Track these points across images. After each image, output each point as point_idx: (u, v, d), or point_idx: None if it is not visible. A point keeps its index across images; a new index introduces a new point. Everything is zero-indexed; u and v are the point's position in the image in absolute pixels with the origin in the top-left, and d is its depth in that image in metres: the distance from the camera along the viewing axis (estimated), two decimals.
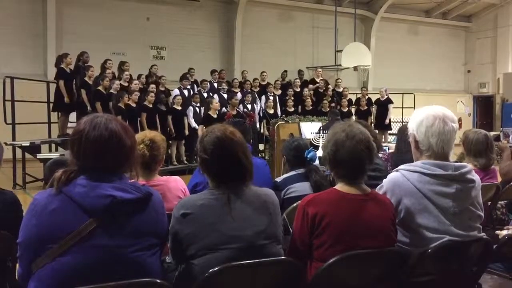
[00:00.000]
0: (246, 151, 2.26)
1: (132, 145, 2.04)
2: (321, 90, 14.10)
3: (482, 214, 2.49)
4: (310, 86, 14.29)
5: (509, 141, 11.18)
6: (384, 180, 2.51)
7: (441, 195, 2.35)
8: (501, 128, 14.09)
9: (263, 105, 12.92)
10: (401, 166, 2.49)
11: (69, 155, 2.01)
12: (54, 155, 8.60)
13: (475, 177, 2.48)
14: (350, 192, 2.29)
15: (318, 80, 14.83)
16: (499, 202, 4.12)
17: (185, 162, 11.93)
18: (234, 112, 11.14)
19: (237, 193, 2.17)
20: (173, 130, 11.35)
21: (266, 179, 3.72)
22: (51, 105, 11.02)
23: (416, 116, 2.48)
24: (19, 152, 9.71)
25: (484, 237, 2.44)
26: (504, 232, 3.16)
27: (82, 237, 1.83)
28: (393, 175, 2.49)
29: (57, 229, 1.83)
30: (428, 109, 2.46)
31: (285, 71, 15.12)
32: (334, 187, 2.35)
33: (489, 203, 3.96)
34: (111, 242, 1.86)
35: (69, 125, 10.73)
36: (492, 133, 6.93)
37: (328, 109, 12.76)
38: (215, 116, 10.91)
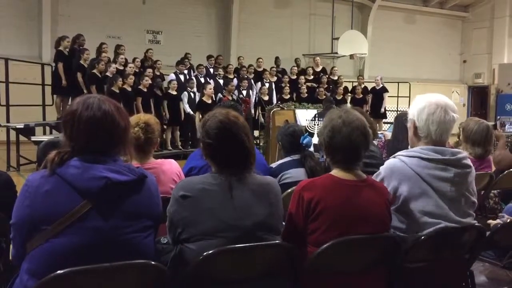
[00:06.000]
0: (249, 135, 2.24)
1: (126, 126, 2.03)
2: (316, 85, 14.00)
3: (476, 201, 2.51)
4: (302, 78, 14.04)
5: (505, 130, 11.23)
6: (382, 167, 2.52)
7: (440, 179, 2.38)
8: (498, 117, 14.13)
9: (258, 92, 12.89)
10: (399, 152, 2.51)
11: (62, 137, 2.00)
12: (48, 138, 8.57)
13: (471, 163, 2.50)
14: (346, 178, 2.28)
15: (316, 69, 14.77)
16: (492, 191, 4.13)
17: (180, 147, 11.92)
18: (230, 98, 11.12)
19: (240, 180, 2.14)
20: (167, 115, 11.33)
21: (262, 167, 3.70)
22: (47, 87, 10.98)
23: (418, 102, 2.48)
24: (13, 134, 9.68)
25: (477, 224, 2.47)
26: (496, 221, 3.19)
27: (76, 219, 1.82)
28: (391, 161, 2.50)
29: (51, 210, 1.83)
30: (431, 97, 2.47)
31: (277, 57, 15.02)
32: (330, 172, 2.35)
33: (482, 192, 3.98)
34: (105, 224, 1.86)
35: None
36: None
37: (324, 96, 12.76)
38: (209, 101, 10.90)
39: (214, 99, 11.43)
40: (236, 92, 12.01)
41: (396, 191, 2.40)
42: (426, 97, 2.48)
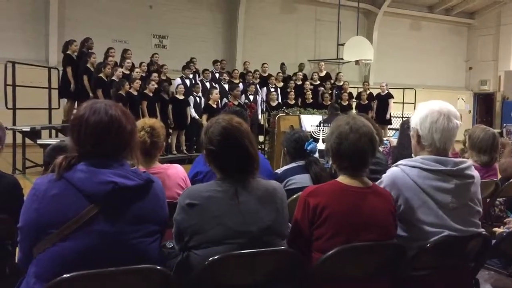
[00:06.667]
0: (252, 141, 2.23)
1: (133, 130, 2.03)
2: (321, 89, 14.02)
3: (481, 210, 2.49)
4: (307, 83, 14.01)
5: (511, 137, 11.18)
6: (384, 176, 2.51)
7: (440, 191, 2.36)
8: (504, 125, 14.10)
9: (264, 97, 12.91)
10: (401, 161, 2.49)
11: (69, 141, 2.01)
12: (54, 141, 8.60)
13: (475, 173, 2.48)
14: (352, 184, 2.28)
15: (321, 75, 14.80)
16: (498, 199, 4.11)
17: (185, 151, 11.93)
18: (236, 103, 11.15)
19: (245, 186, 2.14)
20: (171, 120, 11.34)
21: (267, 172, 3.69)
22: (54, 91, 11.04)
23: (420, 111, 2.46)
24: (19, 137, 9.72)
25: (483, 232, 2.45)
26: (501, 229, 3.18)
27: (83, 223, 1.83)
28: (392, 170, 2.49)
29: (58, 214, 1.83)
30: (433, 105, 2.44)
31: (283, 63, 15.01)
32: (336, 179, 2.35)
33: (488, 199, 3.96)
34: (112, 228, 1.86)
35: (74, 111, 10.77)
36: None
37: (329, 102, 12.76)
38: (215, 106, 10.94)
39: (220, 104, 11.46)
40: (243, 97, 12.04)
41: (397, 201, 2.39)
42: (428, 105, 2.46)
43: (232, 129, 2.19)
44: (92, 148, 1.92)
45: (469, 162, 2.51)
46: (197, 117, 11.51)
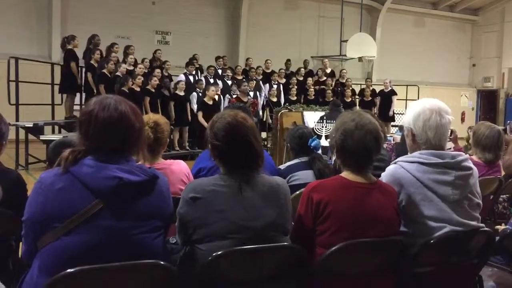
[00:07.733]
0: (257, 137, 2.24)
1: (141, 127, 2.04)
2: (325, 87, 14.01)
3: (481, 203, 2.50)
4: (309, 80, 13.99)
5: None
6: (383, 174, 2.52)
7: (441, 183, 2.37)
8: (508, 122, 14.04)
9: (267, 93, 12.91)
10: (399, 158, 2.52)
11: (76, 136, 2.00)
12: (57, 137, 8.62)
13: (472, 165, 2.50)
14: (356, 180, 2.29)
15: (327, 71, 14.77)
16: (501, 196, 4.11)
17: (187, 148, 11.93)
18: (245, 99, 11.15)
19: (249, 181, 2.15)
20: (173, 116, 11.33)
21: (270, 167, 3.70)
22: (57, 87, 11.03)
23: (412, 110, 2.50)
24: (22, 133, 9.72)
25: (486, 229, 2.46)
26: (504, 227, 3.17)
27: (87, 218, 1.83)
28: (391, 168, 2.51)
29: (63, 208, 1.84)
30: (424, 103, 2.48)
31: (289, 60, 15.02)
32: (340, 174, 2.35)
33: (491, 196, 3.96)
34: (116, 224, 1.87)
35: (75, 107, 10.80)
36: None
37: (331, 98, 12.75)
38: (210, 102, 10.96)
39: (222, 99, 11.46)
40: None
41: (399, 197, 2.40)
42: (419, 104, 2.50)
43: (237, 124, 2.20)
44: (99, 144, 1.93)
45: (466, 155, 2.53)
46: None
